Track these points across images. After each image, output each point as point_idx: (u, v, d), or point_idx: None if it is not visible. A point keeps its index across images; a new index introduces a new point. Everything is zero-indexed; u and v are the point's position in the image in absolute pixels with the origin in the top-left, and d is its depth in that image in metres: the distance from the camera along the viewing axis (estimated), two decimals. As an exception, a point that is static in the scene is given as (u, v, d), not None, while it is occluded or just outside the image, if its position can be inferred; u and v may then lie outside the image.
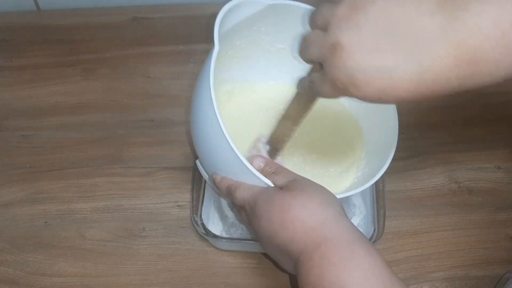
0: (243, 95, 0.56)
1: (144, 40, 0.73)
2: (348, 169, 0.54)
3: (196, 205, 0.54)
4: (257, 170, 0.41)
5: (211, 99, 0.40)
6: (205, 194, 0.56)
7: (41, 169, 0.61)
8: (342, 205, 0.39)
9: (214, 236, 0.52)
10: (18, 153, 0.63)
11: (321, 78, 0.34)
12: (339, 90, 0.32)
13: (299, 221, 0.36)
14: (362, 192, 0.59)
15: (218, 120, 0.39)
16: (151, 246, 0.55)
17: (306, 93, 0.41)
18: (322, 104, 0.43)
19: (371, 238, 0.53)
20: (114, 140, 0.65)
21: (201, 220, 0.53)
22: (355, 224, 0.57)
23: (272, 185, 0.40)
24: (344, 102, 0.57)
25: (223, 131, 0.39)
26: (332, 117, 0.56)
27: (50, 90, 0.70)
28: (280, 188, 0.39)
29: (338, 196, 0.41)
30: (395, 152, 0.64)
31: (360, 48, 0.30)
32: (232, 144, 0.39)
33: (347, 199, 0.59)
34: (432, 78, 0.28)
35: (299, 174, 0.42)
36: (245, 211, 0.42)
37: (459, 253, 0.56)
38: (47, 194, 0.59)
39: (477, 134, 0.67)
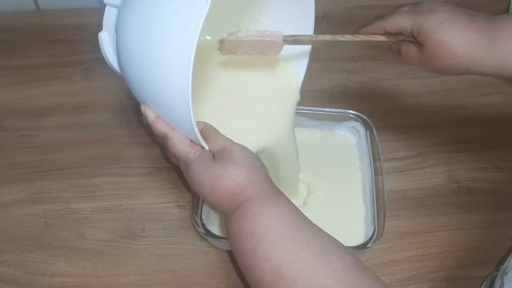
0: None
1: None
2: None
3: (196, 205, 0.54)
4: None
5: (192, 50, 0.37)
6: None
7: (41, 169, 0.61)
8: (265, 169, 0.45)
9: (214, 236, 0.52)
10: (18, 153, 0.63)
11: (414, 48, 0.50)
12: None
13: (226, 189, 0.42)
14: (362, 192, 0.59)
15: (189, 76, 0.37)
16: (151, 246, 0.55)
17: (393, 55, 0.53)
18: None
19: (371, 238, 0.53)
20: (114, 140, 0.65)
21: (201, 220, 0.53)
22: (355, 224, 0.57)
23: (207, 148, 0.44)
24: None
25: (189, 86, 0.38)
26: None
27: (50, 90, 0.70)
28: (212, 155, 0.44)
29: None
30: (395, 152, 0.64)
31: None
32: (190, 103, 0.39)
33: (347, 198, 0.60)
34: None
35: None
36: (176, 159, 0.47)
37: (459, 253, 0.56)
38: (47, 194, 0.59)
39: (477, 134, 0.67)
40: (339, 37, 0.51)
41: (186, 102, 0.39)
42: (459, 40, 0.47)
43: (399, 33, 0.51)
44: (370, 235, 0.53)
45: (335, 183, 0.61)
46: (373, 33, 0.53)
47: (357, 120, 0.64)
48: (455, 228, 0.58)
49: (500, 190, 0.61)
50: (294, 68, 0.56)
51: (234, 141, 0.46)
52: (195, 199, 0.54)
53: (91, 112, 0.67)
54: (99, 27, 0.79)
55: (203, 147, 0.45)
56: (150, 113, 0.45)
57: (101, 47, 0.46)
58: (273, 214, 0.41)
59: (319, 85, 0.71)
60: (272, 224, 0.40)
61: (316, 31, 0.76)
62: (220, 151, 0.44)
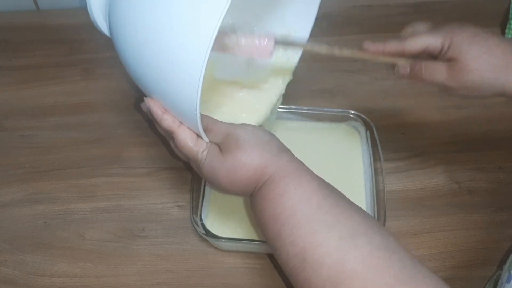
0: None
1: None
2: None
3: (196, 206, 0.54)
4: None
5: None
6: (205, 194, 0.56)
7: (41, 169, 0.61)
8: (276, 139, 0.44)
9: (214, 236, 0.52)
10: (17, 153, 0.63)
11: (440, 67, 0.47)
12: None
13: (246, 178, 0.41)
14: (363, 192, 0.59)
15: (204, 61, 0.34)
16: (150, 246, 0.55)
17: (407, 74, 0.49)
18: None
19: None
20: (114, 140, 0.64)
21: (201, 220, 0.53)
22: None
23: (207, 139, 0.43)
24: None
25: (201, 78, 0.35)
26: None
27: (50, 90, 0.70)
28: (218, 148, 0.43)
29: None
30: (395, 152, 0.64)
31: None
32: (199, 94, 0.36)
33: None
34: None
35: None
36: (184, 156, 0.45)
37: (459, 254, 0.56)
38: (46, 194, 0.59)
39: (477, 134, 0.67)
40: (337, 51, 0.48)
41: (194, 92, 0.36)
42: (497, 50, 0.44)
43: (422, 53, 0.48)
44: (370, 235, 0.53)
45: (335, 183, 0.60)
46: (388, 53, 0.49)
47: (357, 120, 0.64)
48: (455, 229, 0.58)
49: (501, 190, 0.61)
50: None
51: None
52: (195, 199, 0.54)
53: (90, 112, 0.67)
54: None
55: (207, 143, 0.43)
56: (155, 109, 0.43)
57: (89, 10, 0.40)
58: (295, 196, 0.40)
59: (319, 85, 0.71)
60: (295, 206, 0.39)
61: (316, 32, 0.76)
62: (225, 139, 0.43)
